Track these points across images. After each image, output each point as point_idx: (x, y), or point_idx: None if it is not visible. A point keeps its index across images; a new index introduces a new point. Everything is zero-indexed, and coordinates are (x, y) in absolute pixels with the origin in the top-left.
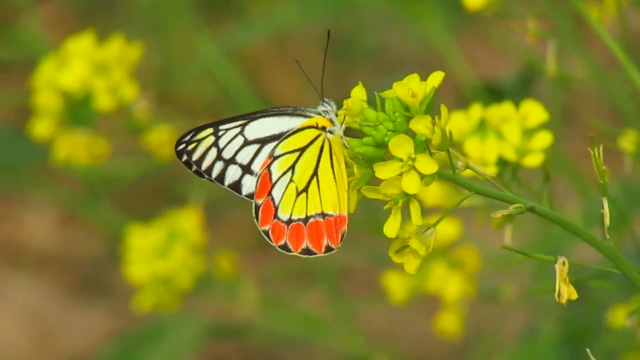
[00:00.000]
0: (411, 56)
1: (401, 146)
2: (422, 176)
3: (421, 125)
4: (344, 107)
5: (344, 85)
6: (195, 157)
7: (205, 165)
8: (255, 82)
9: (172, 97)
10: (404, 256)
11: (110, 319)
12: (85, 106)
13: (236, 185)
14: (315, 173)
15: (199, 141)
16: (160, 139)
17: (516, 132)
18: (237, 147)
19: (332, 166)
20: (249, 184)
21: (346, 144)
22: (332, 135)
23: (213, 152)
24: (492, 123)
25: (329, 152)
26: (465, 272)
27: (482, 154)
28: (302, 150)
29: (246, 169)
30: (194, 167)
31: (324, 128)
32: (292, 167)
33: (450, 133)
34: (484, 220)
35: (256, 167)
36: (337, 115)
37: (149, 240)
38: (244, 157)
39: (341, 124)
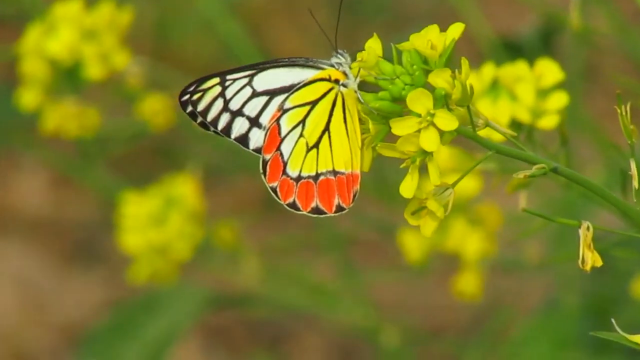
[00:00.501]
0: (424, 11)
1: (419, 100)
2: (442, 133)
3: (440, 79)
4: (358, 59)
5: (353, 41)
6: (200, 107)
7: (210, 116)
8: (258, 37)
9: (168, 54)
10: (421, 218)
11: (104, 288)
12: (75, 74)
13: (243, 139)
14: (327, 128)
15: (205, 91)
16: (155, 107)
17: (530, 92)
18: (245, 98)
19: (344, 121)
20: (256, 138)
21: (360, 98)
22: (345, 89)
23: (219, 103)
24: (505, 83)
25: (342, 107)
26: (486, 229)
27: (495, 116)
28: (314, 103)
29: (254, 122)
30: (199, 119)
31: (337, 81)
32: (303, 122)
33: (472, 88)
34: (499, 185)
35: (265, 120)
36: (351, 68)
37: (144, 207)
38: (252, 109)
39: (355, 78)
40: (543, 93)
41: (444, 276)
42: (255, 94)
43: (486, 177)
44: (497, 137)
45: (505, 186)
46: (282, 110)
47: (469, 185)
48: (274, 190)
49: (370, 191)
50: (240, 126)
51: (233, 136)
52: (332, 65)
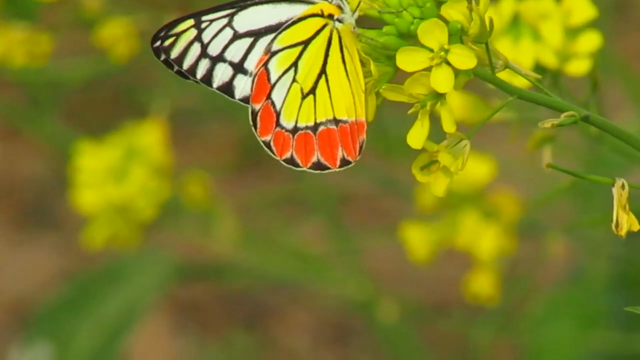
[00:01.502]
0: None
1: (432, 33)
2: (456, 72)
3: (455, 11)
4: None
5: None
6: (174, 54)
7: (187, 64)
8: None
9: None
10: (431, 174)
11: (57, 257)
12: None
13: (227, 87)
14: (323, 71)
15: (178, 35)
16: (116, 33)
17: (557, 31)
18: (226, 41)
19: (343, 62)
20: (242, 86)
21: (359, 34)
22: (341, 24)
23: (196, 48)
24: (528, 20)
25: (339, 46)
26: (503, 223)
27: (516, 58)
28: (306, 43)
29: (238, 68)
30: (175, 67)
31: (331, 16)
32: (295, 64)
33: (492, 22)
34: (518, 138)
35: (250, 65)
36: (347, 1)
37: (102, 159)
38: (234, 54)
39: (353, 12)
40: (571, 33)
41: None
42: (237, 36)
43: (503, 130)
44: (518, 82)
45: (528, 139)
46: (270, 53)
47: (482, 169)
48: (268, 144)
49: (367, 141)
50: (222, 73)
51: (215, 85)
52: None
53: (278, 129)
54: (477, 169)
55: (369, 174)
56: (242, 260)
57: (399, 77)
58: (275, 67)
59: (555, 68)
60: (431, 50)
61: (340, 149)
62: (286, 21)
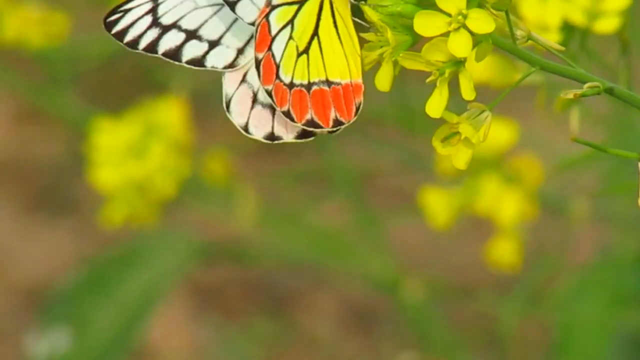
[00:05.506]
0: None
1: None
2: (475, 37)
3: None
4: None
5: None
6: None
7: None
8: None
9: None
10: (452, 146)
11: (76, 241)
12: None
13: (175, 52)
14: (315, 33)
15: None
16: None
17: None
18: (184, 12)
19: (335, 26)
20: (193, 50)
21: (374, 6)
22: None
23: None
24: None
25: (330, 10)
26: (525, 187)
27: (543, 17)
28: (301, 3)
29: (191, 34)
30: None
31: None
32: (292, 22)
33: None
34: (545, 103)
35: (206, 31)
36: None
37: (120, 136)
38: (190, 22)
39: None
40: None
41: (479, 224)
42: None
43: (527, 95)
44: (549, 37)
45: (553, 103)
46: (271, 6)
47: (503, 134)
48: (269, 93)
49: (390, 116)
50: (170, 40)
51: (161, 51)
52: None
53: (277, 81)
54: (498, 134)
55: (393, 151)
56: (263, 240)
57: (415, 48)
58: (275, 20)
59: (584, 27)
60: (449, 15)
61: (332, 109)
62: None
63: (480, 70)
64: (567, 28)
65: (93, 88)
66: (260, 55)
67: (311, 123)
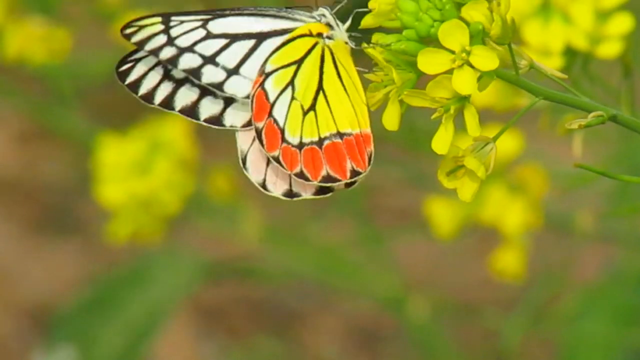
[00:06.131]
0: None
1: (453, 35)
2: (479, 73)
3: (476, 12)
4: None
5: None
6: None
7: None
8: None
9: None
10: (458, 179)
11: (81, 261)
12: None
13: (191, 110)
14: (320, 87)
15: (143, 27)
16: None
17: (588, 13)
18: (197, 38)
19: (339, 77)
20: (208, 109)
21: (375, 44)
22: (332, 41)
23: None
24: (558, 3)
25: (333, 62)
26: (529, 197)
27: (545, 42)
28: (299, 62)
29: (207, 60)
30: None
31: (320, 35)
32: (291, 83)
33: (513, 22)
34: (548, 126)
35: (224, 61)
36: (337, 25)
37: (125, 153)
38: (204, 49)
39: (344, 25)
40: (603, 15)
41: (483, 239)
42: (211, 36)
43: (531, 117)
44: (549, 63)
45: (557, 127)
46: (265, 74)
47: (509, 144)
48: (277, 159)
49: (395, 135)
50: (186, 96)
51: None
52: (313, 17)
53: (284, 144)
54: (503, 144)
55: (397, 169)
56: (268, 258)
57: (421, 84)
58: (272, 86)
59: (586, 51)
60: (452, 52)
61: (348, 161)
62: (268, 32)
63: (484, 94)
64: (570, 52)
65: (98, 106)
66: (260, 125)
67: (328, 179)
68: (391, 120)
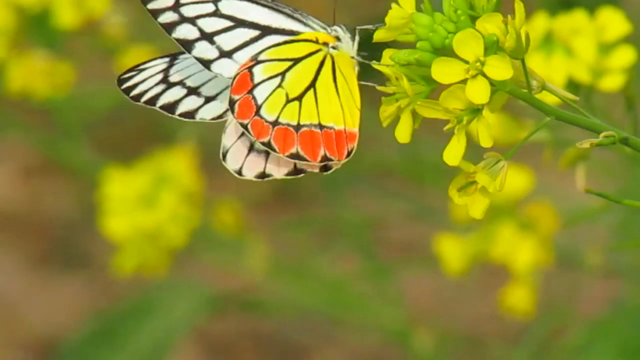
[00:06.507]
0: None
1: (468, 45)
2: (493, 84)
3: (491, 25)
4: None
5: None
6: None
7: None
8: None
9: None
10: (469, 195)
11: (87, 294)
12: (45, 23)
13: (187, 43)
14: (312, 85)
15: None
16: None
17: (590, 46)
18: (203, 12)
19: (334, 81)
20: (202, 50)
21: (376, 64)
22: (335, 51)
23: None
24: (561, 37)
25: (332, 68)
26: (540, 235)
27: (548, 75)
28: (296, 61)
29: (205, 36)
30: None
31: (325, 44)
32: (282, 74)
33: (528, 37)
34: (552, 159)
35: (221, 41)
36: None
37: (131, 186)
38: (206, 24)
39: (354, 43)
40: (605, 48)
41: (489, 273)
42: (218, 14)
43: (533, 152)
44: (551, 100)
45: (559, 160)
46: (256, 61)
47: (519, 182)
48: (245, 126)
49: (399, 168)
50: (206, 49)
51: (174, 35)
52: (325, 28)
53: (257, 117)
54: (514, 181)
55: (403, 202)
56: (274, 291)
57: (433, 96)
58: (260, 72)
59: (589, 84)
60: (466, 62)
61: (322, 148)
62: (275, 28)
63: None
64: (573, 85)
65: (103, 139)
66: (236, 97)
67: (296, 156)
68: (404, 132)
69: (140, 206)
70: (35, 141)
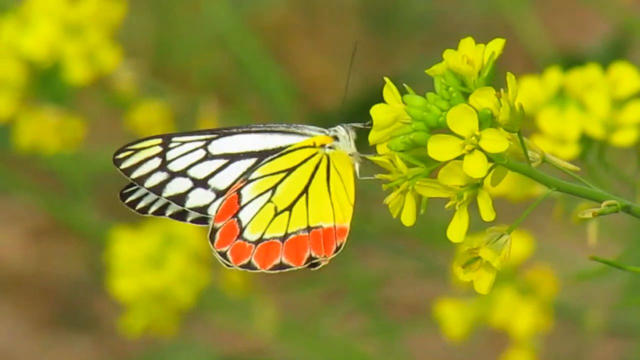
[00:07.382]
0: (471, 25)
1: (462, 119)
2: (490, 158)
3: (484, 99)
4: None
5: (388, 62)
6: (131, 162)
7: (140, 173)
8: (276, 57)
9: (169, 71)
10: (474, 271)
11: (95, 355)
12: (55, 78)
13: (180, 197)
14: (305, 191)
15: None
16: (150, 118)
17: (603, 101)
18: (193, 160)
19: (327, 181)
20: (196, 197)
21: (357, 167)
22: (332, 150)
23: (155, 162)
24: (574, 92)
25: (326, 168)
26: (539, 300)
27: (561, 130)
28: (290, 170)
29: (199, 183)
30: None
31: (322, 146)
32: (274, 188)
33: (522, 108)
34: (562, 216)
35: (215, 182)
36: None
37: (139, 247)
38: (199, 171)
39: (349, 139)
40: (618, 103)
41: (495, 337)
42: (208, 157)
43: (544, 209)
44: (563, 153)
45: (570, 217)
46: (247, 181)
47: (518, 246)
48: (223, 254)
49: (410, 232)
50: (178, 186)
51: (165, 195)
52: (323, 132)
53: (239, 240)
54: (514, 246)
55: (411, 261)
56: (282, 352)
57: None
58: (249, 192)
59: (602, 139)
60: (462, 138)
61: (309, 249)
62: (272, 149)
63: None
64: (586, 140)
65: (111, 200)
66: (218, 225)
67: (279, 266)
68: (408, 216)
69: (148, 267)
70: (43, 203)
